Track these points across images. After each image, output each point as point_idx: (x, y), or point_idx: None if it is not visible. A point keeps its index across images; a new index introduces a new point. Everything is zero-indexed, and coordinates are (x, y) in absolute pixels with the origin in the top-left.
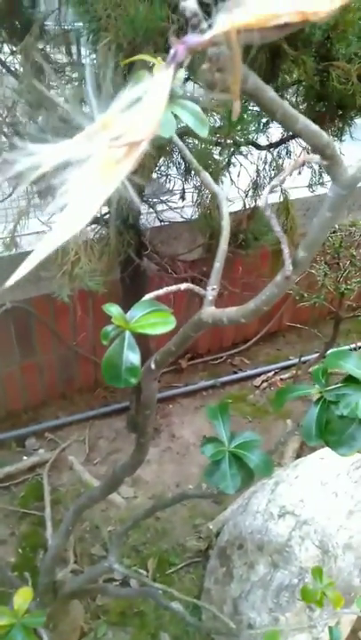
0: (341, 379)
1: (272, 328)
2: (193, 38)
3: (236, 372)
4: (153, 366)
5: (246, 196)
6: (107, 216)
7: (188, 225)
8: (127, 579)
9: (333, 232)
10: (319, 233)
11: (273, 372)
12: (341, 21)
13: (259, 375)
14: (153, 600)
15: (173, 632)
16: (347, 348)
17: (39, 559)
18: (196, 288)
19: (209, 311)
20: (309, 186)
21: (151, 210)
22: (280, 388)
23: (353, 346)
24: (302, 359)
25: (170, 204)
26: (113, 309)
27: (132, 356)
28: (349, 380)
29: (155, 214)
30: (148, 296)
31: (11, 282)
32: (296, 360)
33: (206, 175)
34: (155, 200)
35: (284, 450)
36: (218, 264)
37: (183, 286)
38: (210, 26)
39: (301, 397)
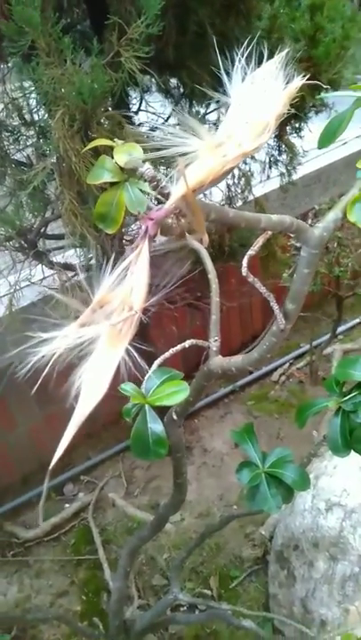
0: (354, 385)
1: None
2: (158, 213)
3: (251, 372)
4: (175, 417)
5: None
6: (92, 261)
7: (174, 252)
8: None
9: (315, 217)
10: (301, 286)
11: (288, 364)
12: (276, 26)
13: (275, 370)
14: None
15: None
16: (356, 322)
17: (104, 602)
18: (200, 342)
19: (217, 361)
20: (281, 187)
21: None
22: (299, 405)
23: (357, 320)
24: (314, 344)
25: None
26: (128, 387)
27: (157, 427)
28: None
29: None
30: (157, 362)
31: (55, 459)
32: (308, 346)
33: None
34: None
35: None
36: (214, 316)
37: (188, 343)
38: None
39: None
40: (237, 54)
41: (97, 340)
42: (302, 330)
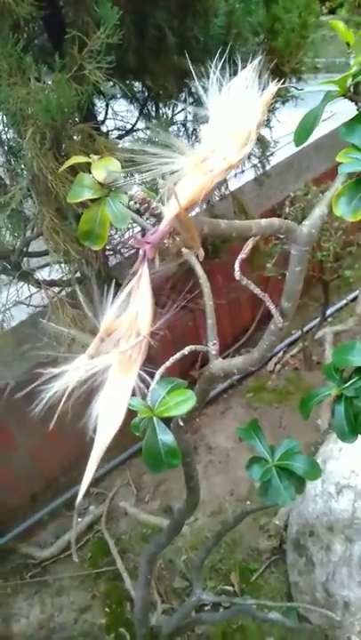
0: (353, 371)
1: (266, 310)
2: (153, 236)
3: None
4: (181, 423)
5: (200, 208)
6: (77, 274)
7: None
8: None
9: (292, 205)
10: (295, 284)
11: (282, 352)
12: (233, 22)
13: (270, 359)
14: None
15: (278, 634)
16: (343, 303)
17: (128, 611)
18: (199, 347)
19: (218, 365)
20: (255, 179)
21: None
22: (302, 397)
23: (344, 302)
24: (305, 329)
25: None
26: (134, 402)
27: (167, 438)
28: None
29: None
30: (159, 372)
31: (82, 491)
32: (299, 333)
33: None
34: (119, 247)
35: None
36: (210, 321)
37: (187, 350)
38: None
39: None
40: (211, 66)
41: (108, 368)
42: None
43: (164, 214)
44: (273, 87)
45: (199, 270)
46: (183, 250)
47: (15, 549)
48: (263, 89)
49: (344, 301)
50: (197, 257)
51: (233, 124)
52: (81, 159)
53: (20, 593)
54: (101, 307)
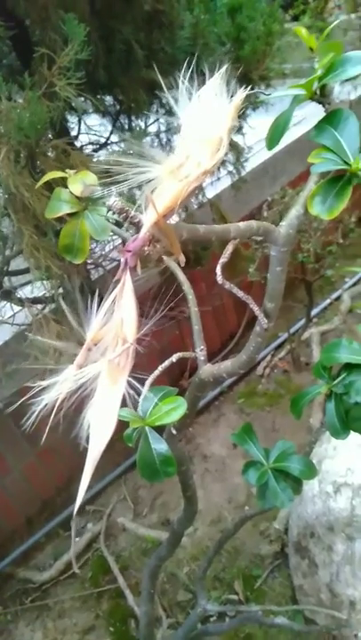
0: (341, 368)
1: (251, 314)
2: (134, 244)
3: None
4: (174, 432)
5: (179, 217)
6: (60, 290)
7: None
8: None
9: (270, 209)
10: (276, 284)
11: (270, 355)
12: (199, 33)
13: (258, 363)
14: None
15: (286, 639)
16: (327, 303)
17: (133, 629)
18: (187, 354)
19: (207, 370)
20: (232, 186)
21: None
22: (293, 397)
23: (328, 301)
24: (291, 331)
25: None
26: (124, 413)
27: (161, 447)
28: (349, 367)
29: (103, 270)
30: (148, 381)
31: (79, 498)
32: (286, 335)
33: None
34: (100, 259)
35: (313, 415)
36: (197, 327)
37: (175, 357)
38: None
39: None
40: (180, 77)
41: (97, 377)
42: (277, 319)
43: (143, 222)
44: (241, 93)
45: (181, 277)
46: (164, 256)
47: (13, 574)
48: (232, 96)
49: (328, 301)
50: (179, 263)
51: (205, 130)
52: (57, 174)
53: (21, 619)
54: (86, 317)
